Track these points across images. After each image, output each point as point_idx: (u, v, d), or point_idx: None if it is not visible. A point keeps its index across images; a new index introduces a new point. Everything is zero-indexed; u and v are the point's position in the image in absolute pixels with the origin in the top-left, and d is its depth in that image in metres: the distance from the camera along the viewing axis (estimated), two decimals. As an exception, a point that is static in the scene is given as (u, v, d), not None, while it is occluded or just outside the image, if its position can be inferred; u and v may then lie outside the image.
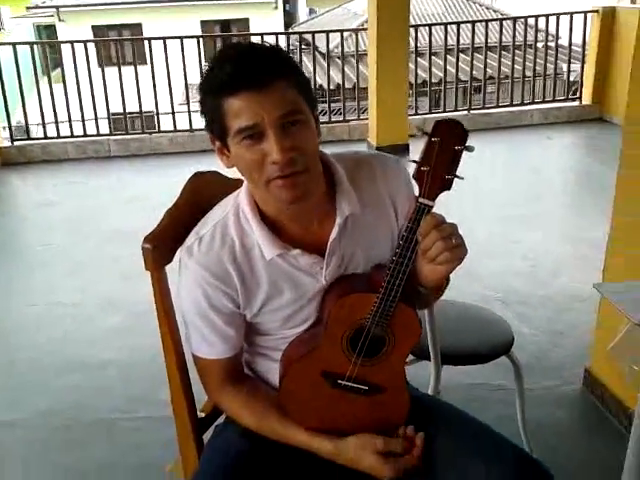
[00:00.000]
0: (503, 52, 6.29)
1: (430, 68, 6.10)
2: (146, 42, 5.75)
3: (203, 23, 17.85)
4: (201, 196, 1.21)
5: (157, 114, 5.75)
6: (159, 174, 5.28)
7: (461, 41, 6.13)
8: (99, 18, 17.29)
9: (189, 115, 5.73)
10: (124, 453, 2.10)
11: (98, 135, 5.71)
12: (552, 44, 6.39)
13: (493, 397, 2.26)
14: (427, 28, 6.11)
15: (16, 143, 5.55)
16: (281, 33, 6.13)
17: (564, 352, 2.53)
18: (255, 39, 5.68)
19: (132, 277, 3.37)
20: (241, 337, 1.17)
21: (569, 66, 6.46)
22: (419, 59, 6.27)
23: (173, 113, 5.75)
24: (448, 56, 6.15)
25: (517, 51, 6.28)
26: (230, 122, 1.00)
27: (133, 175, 5.24)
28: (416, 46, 5.83)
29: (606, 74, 5.90)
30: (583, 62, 6.16)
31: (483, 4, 17.39)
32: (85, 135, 5.67)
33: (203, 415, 1.27)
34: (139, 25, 17.37)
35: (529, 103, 6.22)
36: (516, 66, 6.30)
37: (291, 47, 6.87)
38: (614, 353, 1.39)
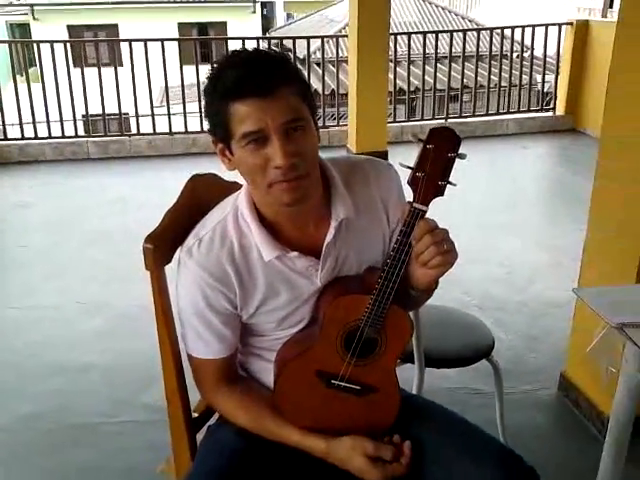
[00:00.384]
0: (479, 62, 6.40)
1: (409, 76, 6.19)
2: (123, 44, 5.73)
3: (180, 25, 17.79)
4: (200, 198, 1.23)
5: (136, 116, 5.73)
6: (138, 177, 5.27)
7: (438, 50, 6.22)
8: (74, 18, 17.13)
9: (169, 118, 5.72)
10: (108, 457, 2.10)
11: (76, 137, 5.68)
12: (527, 55, 6.54)
13: (472, 401, 2.31)
14: (406, 36, 6.22)
15: (-8, 143, 5.48)
16: (263, 38, 6.17)
17: (540, 357, 2.60)
18: (236, 43, 5.70)
19: (112, 280, 3.36)
20: (237, 338, 1.20)
21: (543, 77, 6.60)
22: (397, 67, 6.34)
23: (153, 116, 5.73)
24: (426, 65, 6.24)
25: (493, 62, 6.40)
26: (235, 126, 1.03)
27: (111, 177, 5.22)
28: (395, 54, 5.91)
29: (579, 86, 6.05)
30: (557, 73, 6.31)
31: (459, 14, 17.65)
32: (63, 136, 5.63)
33: (196, 415, 1.29)
34: (115, 26, 17.25)
35: (504, 113, 6.35)
36: (492, 76, 6.42)
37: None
38: (592, 356, 1.44)
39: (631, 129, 1.92)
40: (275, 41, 7.06)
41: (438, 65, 6.18)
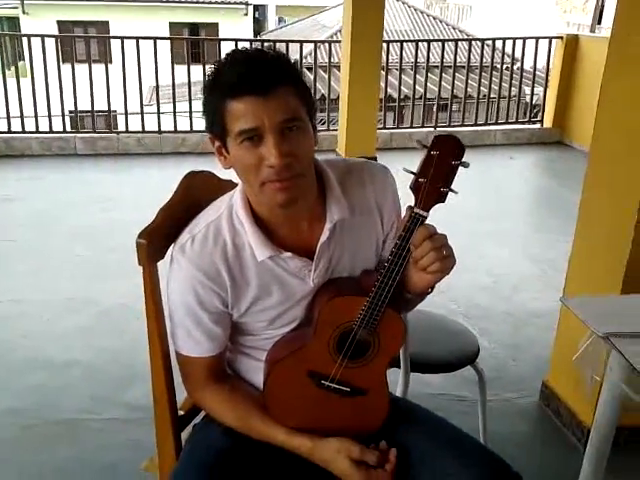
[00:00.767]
0: (469, 73, 6.46)
1: (400, 84, 6.23)
2: (114, 41, 5.71)
3: (172, 25, 17.74)
4: (194, 195, 1.23)
5: (126, 113, 5.70)
6: (125, 174, 5.25)
7: (429, 59, 6.27)
8: (65, 13, 17.01)
9: (158, 117, 5.71)
10: (89, 454, 2.08)
11: (64, 132, 5.64)
12: (516, 67, 6.61)
13: (454, 408, 2.32)
14: (397, 44, 6.26)
15: (-22, 136, 5.43)
16: (255, 40, 6.16)
17: (522, 366, 2.62)
18: (228, 44, 5.71)
19: (97, 277, 3.34)
20: (227, 336, 1.20)
21: (532, 89, 6.67)
22: (387, 74, 6.38)
23: (142, 113, 5.71)
24: (417, 74, 6.29)
25: (483, 73, 6.46)
26: (232, 124, 1.03)
27: (99, 174, 5.19)
28: (387, 61, 5.94)
29: (567, 99, 6.13)
30: (546, 86, 6.39)
31: (450, 24, 17.78)
32: (51, 131, 5.58)
33: (182, 413, 1.29)
34: (106, 23, 17.15)
35: (492, 123, 6.42)
36: (482, 87, 6.48)
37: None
38: (577, 364, 1.46)
39: (620, 141, 1.95)
40: (267, 44, 7.06)
41: (428, 74, 6.22)
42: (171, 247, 1.16)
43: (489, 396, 2.03)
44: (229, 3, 19.09)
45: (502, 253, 3.78)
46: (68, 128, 5.75)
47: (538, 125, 6.42)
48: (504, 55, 6.57)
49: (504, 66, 6.46)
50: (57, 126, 5.64)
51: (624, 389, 1.40)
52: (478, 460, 1.15)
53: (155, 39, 5.56)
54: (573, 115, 6.10)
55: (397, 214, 1.22)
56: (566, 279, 2.22)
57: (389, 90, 6.69)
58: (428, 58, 6.10)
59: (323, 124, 6.18)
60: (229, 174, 1.30)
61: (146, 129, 5.77)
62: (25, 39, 5.76)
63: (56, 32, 15.17)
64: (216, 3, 18.87)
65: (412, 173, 1.02)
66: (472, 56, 6.43)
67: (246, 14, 19.51)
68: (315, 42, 6.42)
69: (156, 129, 5.74)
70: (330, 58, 6.02)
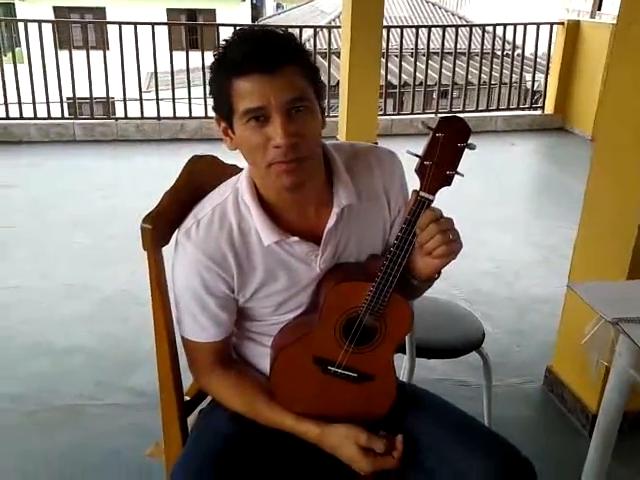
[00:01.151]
0: (470, 60, 6.41)
1: (400, 70, 6.18)
2: (110, 27, 5.65)
3: (169, 11, 17.59)
4: (199, 180, 1.21)
5: (124, 100, 5.66)
6: (124, 161, 5.22)
7: (430, 45, 6.22)
8: (61, -1, 16.85)
9: (157, 103, 5.66)
10: (92, 440, 2.07)
11: (62, 118, 5.59)
12: (517, 53, 6.56)
13: (458, 393, 2.31)
14: (398, 30, 6.21)
15: (-25, 122, 5.39)
16: (254, 25, 6.07)
17: (526, 351, 2.62)
18: (227, 29, 5.65)
19: (96, 264, 3.33)
20: (233, 321, 1.18)
21: (533, 76, 6.63)
22: (387, 61, 6.33)
23: (141, 100, 5.67)
24: (417, 60, 6.24)
25: (484, 60, 6.41)
26: (238, 103, 1.01)
27: (97, 161, 5.15)
28: (387, 47, 5.89)
29: (568, 85, 6.09)
30: (547, 73, 6.34)
31: (449, 10, 17.68)
32: (49, 118, 5.54)
33: (188, 398, 1.28)
34: (102, 9, 16.99)
35: (493, 110, 6.38)
36: (482, 74, 6.44)
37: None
38: (585, 349, 1.45)
39: (625, 128, 1.93)
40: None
41: (429, 61, 6.17)
42: (176, 232, 1.14)
43: (493, 381, 2.02)
44: (227, -11, 18.92)
45: (504, 239, 3.77)
46: (66, 114, 5.70)
47: (539, 111, 6.38)
48: (505, 41, 6.52)
49: (504, 52, 6.41)
50: (55, 112, 5.59)
51: (632, 374, 1.39)
52: (487, 445, 1.14)
53: (153, 25, 5.51)
54: (574, 101, 6.06)
55: (404, 199, 1.20)
56: (571, 266, 2.21)
57: (389, 77, 6.65)
58: (428, 44, 6.05)
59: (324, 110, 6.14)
60: (234, 158, 1.28)
61: (145, 115, 5.73)
62: (22, 25, 5.70)
63: (52, 17, 15.03)
64: (214, -11, 18.69)
65: (417, 156, 1.00)
66: (472, 42, 6.38)
67: (244, 0, 19.35)
68: (314, 27, 6.38)
69: (155, 115, 5.69)
70: (330, 44, 5.97)
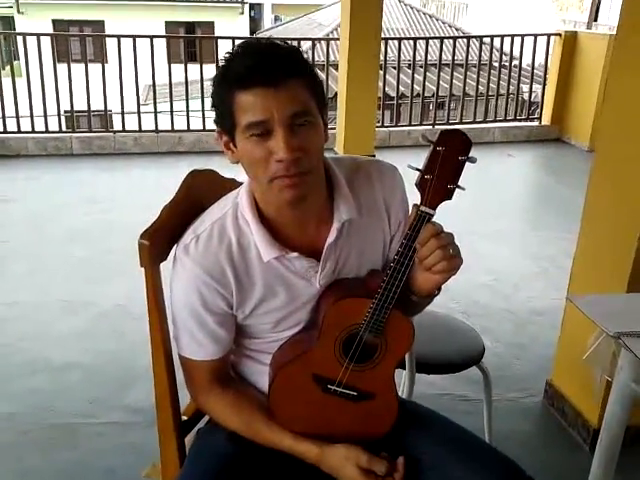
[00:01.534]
0: (467, 71, 6.43)
1: (398, 82, 6.20)
2: (109, 40, 5.66)
3: (168, 24, 17.68)
4: (198, 194, 1.20)
5: (122, 113, 5.66)
6: (122, 175, 5.21)
7: (427, 57, 6.24)
8: (60, 12, 16.93)
9: (155, 116, 5.67)
10: (88, 459, 2.05)
11: (60, 132, 5.59)
12: (514, 65, 6.58)
13: (458, 408, 2.29)
14: (395, 42, 6.24)
15: (-28, 137, 5.38)
16: (253, 38, 6.09)
17: (526, 365, 2.60)
18: (225, 42, 5.66)
19: (93, 278, 3.31)
20: (231, 339, 1.17)
21: (531, 87, 6.66)
22: (385, 73, 6.35)
23: (139, 113, 5.67)
24: (414, 72, 6.25)
25: (481, 71, 6.43)
26: (240, 116, 1.00)
27: (95, 174, 5.15)
28: (385, 59, 5.91)
29: (565, 96, 6.11)
30: (544, 84, 6.36)
31: (446, 22, 17.75)
32: (47, 131, 5.54)
33: (185, 418, 1.26)
34: (101, 22, 17.08)
35: (491, 121, 6.39)
36: (479, 85, 6.46)
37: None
38: (588, 363, 1.44)
39: (626, 139, 1.93)
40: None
41: (427, 72, 6.19)
42: (175, 247, 1.13)
43: (493, 395, 2.01)
44: (225, 2, 19.03)
45: (501, 251, 3.76)
46: (64, 128, 5.69)
47: (536, 122, 6.40)
48: (502, 53, 6.54)
49: (502, 63, 6.43)
50: (53, 126, 5.59)
51: (634, 388, 1.38)
52: (490, 464, 1.12)
53: (152, 37, 5.52)
54: (571, 112, 6.08)
55: (405, 213, 1.19)
56: (570, 278, 2.20)
57: (386, 88, 6.67)
58: (426, 56, 6.08)
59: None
60: (231, 172, 1.27)
61: (143, 128, 5.73)
62: (20, 38, 5.72)
63: (51, 31, 15.10)
64: (212, 2, 18.80)
65: (417, 170, 0.98)
66: (470, 54, 6.41)
67: (242, 13, 19.47)
68: (313, 40, 6.39)
69: (153, 128, 5.70)
70: (328, 56, 5.99)
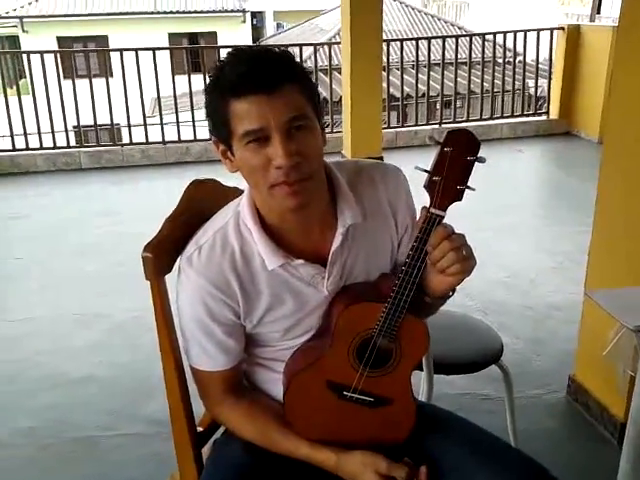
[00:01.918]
0: (472, 69, 6.41)
1: (402, 83, 6.18)
2: (113, 54, 5.69)
3: (171, 36, 17.78)
4: (200, 204, 1.18)
5: (129, 126, 5.68)
6: (131, 187, 5.22)
7: (431, 57, 6.22)
8: (64, 29, 17.07)
9: (161, 127, 5.68)
10: (108, 471, 2.04)
11: (68, 147, 5.62)
12: (519, 60, 6.54)
13: (480, 407, 2.27)
14: (398, 43, 6.23)
15: (-18, 155, 5.42)
16: (255, 46, 6.11)
17: (546, 360, 2.56)
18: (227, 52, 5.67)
19: (106, 291, 3.31)
20: (241, 348, 1.15)
21: (536, 82, 6.61)
22: (389, 74, 6.33)
23: (145, 125, 5.69)
24: (418, 72, 6.24)
25: (485, 68, 6.40)
26: (236, 125, 0.98)
27: (104, 188, 5.16)
28: (387, 61, 5.90)
29: (572, 89, 6.06)
30: (550, 78, 6.32)
31: (448, 21, 17.73)
32: (55, 147, 5.57)
33: (201, 429, 1.24)
34: (105, 37, 17.20)
35: (498, 117, 6.35)
36: (484, 83, 6.43)
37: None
38: (609, 358, 1.40)
39: (634, 131, 1.90)
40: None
41: (430, 72, 6.17)
42: (178, 259, 1.11)
43: (515, 393, 1.97)
44: (226, 11, 19.10)
45: (515, 247, 3.72)
46: (72, 143, 5.72)
47: (544, 117, 6.35)
48: (505, 49, 6.51)
49: (506, 60, 6.40)
50: (61, 142, 5.62)
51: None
52: (513, 466, 1.09)
53: (154, 49, 5.54)
54: (579, 105, 6.03)
55: (411, 216, 1.17)
56: (587, 272, 2.16)
57: (391, 90, 6.65)
58: (429, 56, 6.05)
59: (327, 126, 6.13)
60: (237, 182, 1.26)
61: (150, 140, 5.75)
62: (25, 57, 5.76)
63: (56, 48, 15.22)
64: (213, 12, 18.88)
65: (425, 171, 0.96)
66: (473, 52, 6.38)
67: (244, 21, 19.53)
68: (314, 45, 6.39)
69: (160, 140, 5.71)
70: (330, 60, 5.99)
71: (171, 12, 18.48)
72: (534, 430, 2.12)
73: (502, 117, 6.35)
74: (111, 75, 5.67)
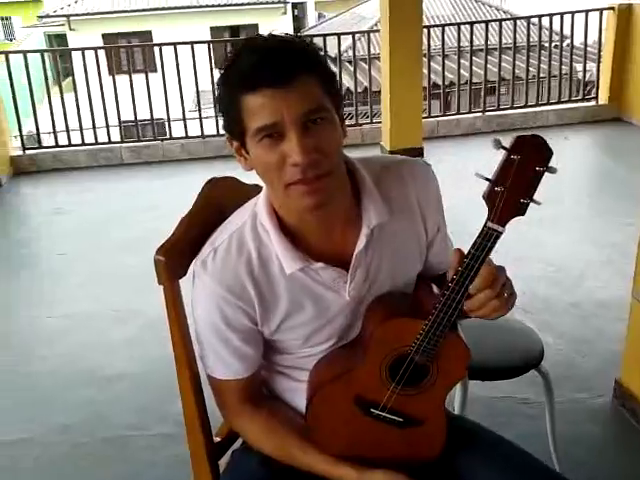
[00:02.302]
0: (516, 54, 6.19)
1: (443, 70, 6.03)
2: (156, 49, 5.72)
3: (213, 29, 17.89)
4: (217, 204, 1.13)
5: (168, 121, 5.71)
6: (171, 181, 5.24)
7: (473, 42, 6.04)
8: (109, 26, 17.35)
9: (200, 122, 5.69)
10: (138, 471, 2.04)
11: (110, 143, 5.68)
12: (566, 44, 6.30)
13: (518, 411, 2.17)
14: (439, 29, 6.07)
15: (27, 152, 5.52)
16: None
17: (592, 362, 2.44)
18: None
19: (146, 287, 3.30)
20: (259, 355, 1.10)
21: (584, 66, 6.34)
22: (430, 61, 6.18)
23: (184, 120, 5.71)
24: (460, 58, 6.07)
25: (531, 53, 6.18)
26: (248, 120, 0.92)
27: (145, 182, 5.20)
28: (428, 48, 5.75)
29: (623, 73, 5.79)
30: (599, 61, 6.05)
31: (492, 5, 17.29)
32: (96, 143, 5.64)
33: (219, 439, 1.20)
34: (149, 32, 17.42)
35: (544, 104, 6.13)
36: (530, 67, 6.21)
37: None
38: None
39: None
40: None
41: (473, 58, 5.99)
42: (193, 262, 1.06)
43: (556, 397, 1.87)
44: (267, 3, 19.10)
45: (560, 239, 3.57)
46: (113, 138, 5.79)
47: (593, 102, 6.09)
48: (551, 32, 6.26)
49: (552, 44, 6.15)
50: (102, 137, 5.69)
51: None
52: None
53: (192, 43, 5.54)
54: (630, 89, 5.75)
55: (442, 214, 1.09)
56: (636, 267, 2.03)
57: (434, 77, 6.50)
58: (471, 41, 5.87)
59: (366, 117, 6.04)
60: (257, 178, 1.21)
61: (189, 134, 5.76)
62: (72, 54, 5.85)
63: (101, 45, 15.49)
64: (254, 4, 18.90)
65: (487, 180, 0.86)
66: (518, 36, 6.16)
67: (285, 13, 19.49)
68: (353, 34, 6.28)
69: (199, 134, 5.72)
70: (369, 49, 5.87)
71: (213, 5, 18.57)
72: (576, 437, 2.02)
73: (548, 103, 6.12)
74: (155, 70, 5.69)
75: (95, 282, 3.44)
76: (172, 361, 2.76)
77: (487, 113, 5.91)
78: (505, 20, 7.13)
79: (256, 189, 1.15)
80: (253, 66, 0.90)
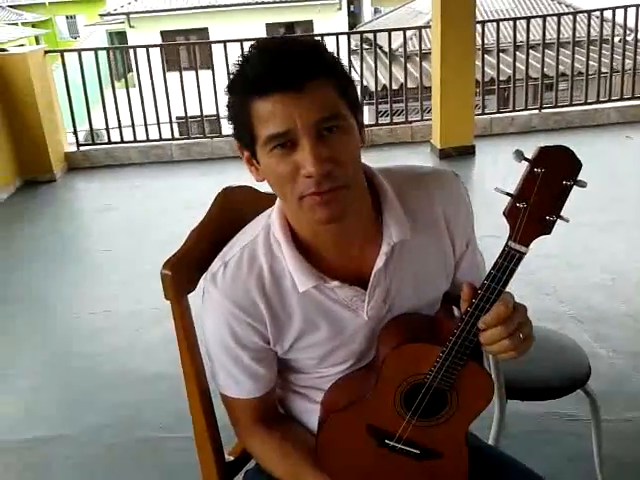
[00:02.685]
0: (577, 48, 5.93)
1: (498, 65, 5.83)
2: (214, 46, 5.75)
3: (268, 26, 17.98)
4: (231, 214, 1.07)
5: (218, 118, 5.73)
6: (220, 179, 5.24)
7: (531, 37, 5.82)
8: (167, 24, 17.68)
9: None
10: (172, 475, 2.02)
11: (161, 140, 5.75)
12: (630, 38, 5.99)
13: (564, 429, 2.04)
14: (495, 24, 5.87)
15: (82, 148, 5.65)
16: (342, 33, 5.94)
17: (648, 379, 2.29)
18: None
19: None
20: (273, 374, 1.04)
21: (650, 60, 6.02)
22: (486, 56, 5.99)
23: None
24: (517, 53, 5.86)
25: (592, 47, 5.91)
26: (259, 128, 0.86)
27: (195, 180, 5.23)
28: (483, 43, 5.58)
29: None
30: (667, 55, 5.74)
31: (553, -1, 16.73)
32: (148, 140, 5.72)
33: (232, 458, 1.15)
34: (205, 30, 17.66)
35: (605, 101, 5.86)
36: (591, 62, 5.94)
37: (354, 47, 6.72)
38: None
39: None
40: (357, 36, 6.85)
41: (531, 52, 5.77)
42: (203, 276, 1.01)
43: (606, 414, 1.75)
44: (323, -1, 19.08)
45: (619, 246, 3.37)
46: (168, 135, 5.86)
47: (658, 99, 5.79)
48: (614, 26, 5.97)
49: (616, 38, 5.86)
50: (154, 134, 5.77)
51: None
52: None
53: (242, 41, 5.52)
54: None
55: (472, 230, 1.01)
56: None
57: (490, 72, 6.30)
58: (528, 36, 5.66)
59: (417, 114, 5.90)
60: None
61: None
62: (132, 51, 5.95)
63: (160, 42, 15.78)
64: (310, 0, 18.89)
65: (508, 194, 0.78)
66: (578, 30, 5.89)
67: (340, 8, 19.40)
68: (404, 29, 6.16)
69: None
70: (421, 44, 5.74)
71: (268, 2, 18.67)
72: (625, 459, 1.89)
73: (610, 100, 5.85)
74: (212, 67, 5.71)
75: (136, 280, 3.45)
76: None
77: (544, 110, 5.69)
78: (563, 14, 6.82)
79: (273, 199, 1.08)
80: (264, 70, 0.84)
